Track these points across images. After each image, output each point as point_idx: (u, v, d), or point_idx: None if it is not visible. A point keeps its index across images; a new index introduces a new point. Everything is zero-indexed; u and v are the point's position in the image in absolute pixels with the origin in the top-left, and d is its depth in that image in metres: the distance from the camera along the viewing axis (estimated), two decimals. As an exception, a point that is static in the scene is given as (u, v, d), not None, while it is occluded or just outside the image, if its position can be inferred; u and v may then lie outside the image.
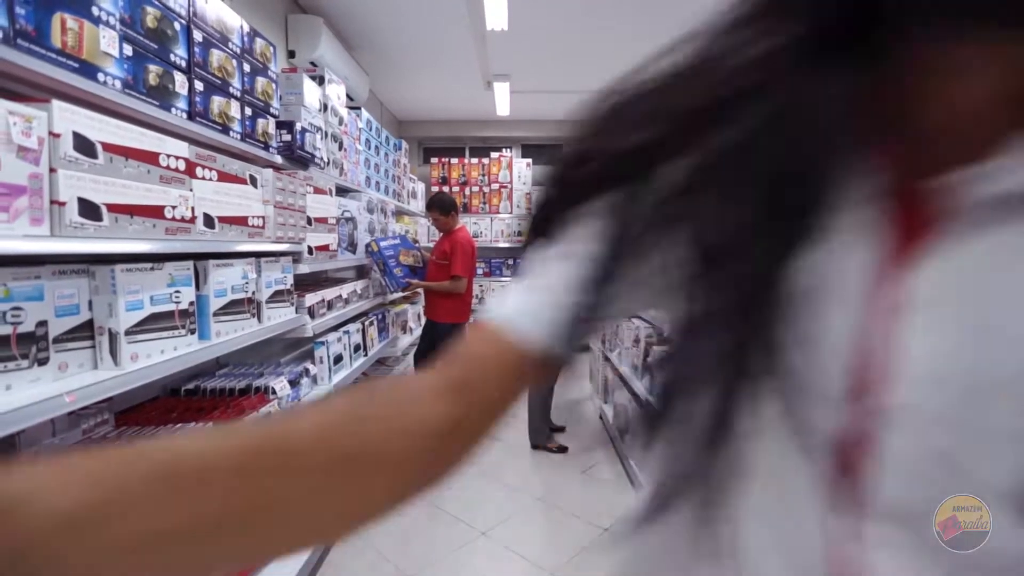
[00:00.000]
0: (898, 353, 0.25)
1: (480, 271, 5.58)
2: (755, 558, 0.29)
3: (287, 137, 2.04)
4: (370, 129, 3.35)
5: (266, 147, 1.91)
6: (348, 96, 3.53)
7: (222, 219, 1.47)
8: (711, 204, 0.28)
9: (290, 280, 1.93)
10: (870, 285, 0.27)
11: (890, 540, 0.26)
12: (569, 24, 3.65)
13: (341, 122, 2.74)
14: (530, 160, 5.86)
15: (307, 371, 1.99)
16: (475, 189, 5.93)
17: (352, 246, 2.71)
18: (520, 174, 5.80)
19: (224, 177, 1.49)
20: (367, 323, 2.72)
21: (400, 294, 3.43)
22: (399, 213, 4.40)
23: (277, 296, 1.82)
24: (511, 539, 2.16)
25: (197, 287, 1.39)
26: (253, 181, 1.66)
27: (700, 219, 0.29)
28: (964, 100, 0.25)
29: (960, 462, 0.24)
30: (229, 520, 0.23)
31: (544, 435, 3.09)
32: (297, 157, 2.10)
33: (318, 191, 2.20)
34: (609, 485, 2.64)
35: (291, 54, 3.03)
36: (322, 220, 2.24)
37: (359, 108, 3.15)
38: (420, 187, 5.18)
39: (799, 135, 0.26)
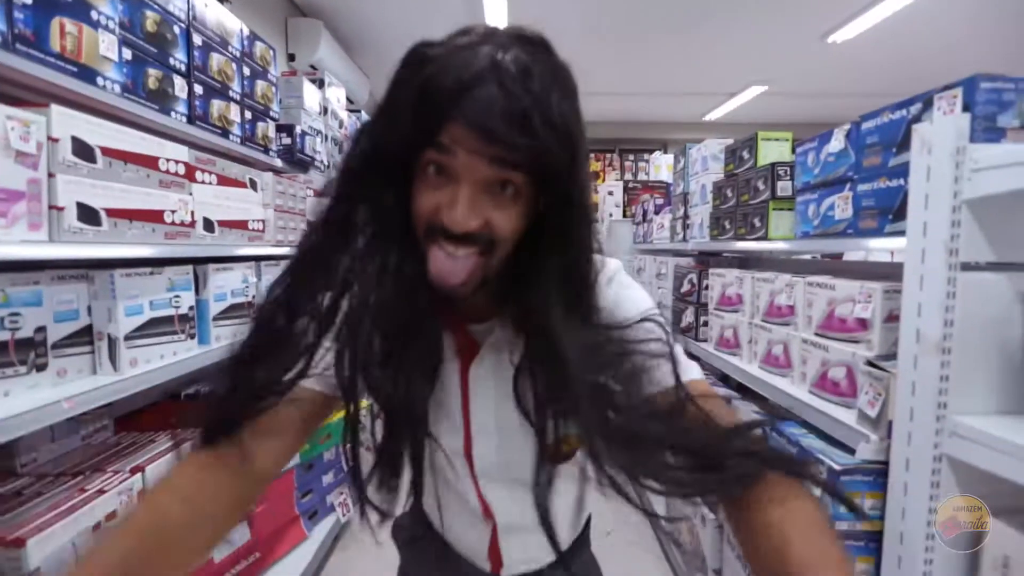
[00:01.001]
0: (470, 414, 0.60)
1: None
2: (447, 504, 0.67)
3: (287, 140, 2.04)
4: (370, 132, 3.35)
5: (266, 151, 1.91)
6: (348, 99, 3.53)
7: (222, 223, 1.47)
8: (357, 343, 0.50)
9: (290, 284, 1.92)
10: (457, 382, 0.59)
11: (491, 483, 0.63)
12: (569, 28, 3.66)
13: (341, 125, 2.74)
14: (530, 162, 5.86)
15: (307, 375, 1.98)
16: (475, 191, 5.92)
17: (352, 249, 2.71)
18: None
19: (224, 181, 1.49)
20: (368, 326, 2.72)
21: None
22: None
23: (277, 300, 1.82)
24: None
25: (197, 292, 1.39)
26: (253, 185, 1.66)
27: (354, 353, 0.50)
28: (473, 305, 0.56)
29: (504, 450, 0.60)
30: None
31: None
32: (297, 160, 2.10)
33: (316, 193, 2.20)
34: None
35: (291, 57, 3.04)
36: (322, 223, 2.24)
37: (359, 111, 3.15)
38: (420, 190, 5.18)
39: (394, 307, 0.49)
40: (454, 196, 0.43)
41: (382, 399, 0.52)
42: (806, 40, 3.72)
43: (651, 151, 6.18)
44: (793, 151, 1.59)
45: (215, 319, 1.43)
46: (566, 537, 0.68)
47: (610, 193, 3.55)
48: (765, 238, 1.53)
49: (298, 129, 2.06)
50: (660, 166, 5.34)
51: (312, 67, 3.01)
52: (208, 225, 1.41)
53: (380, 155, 0.46)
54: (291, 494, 1.86)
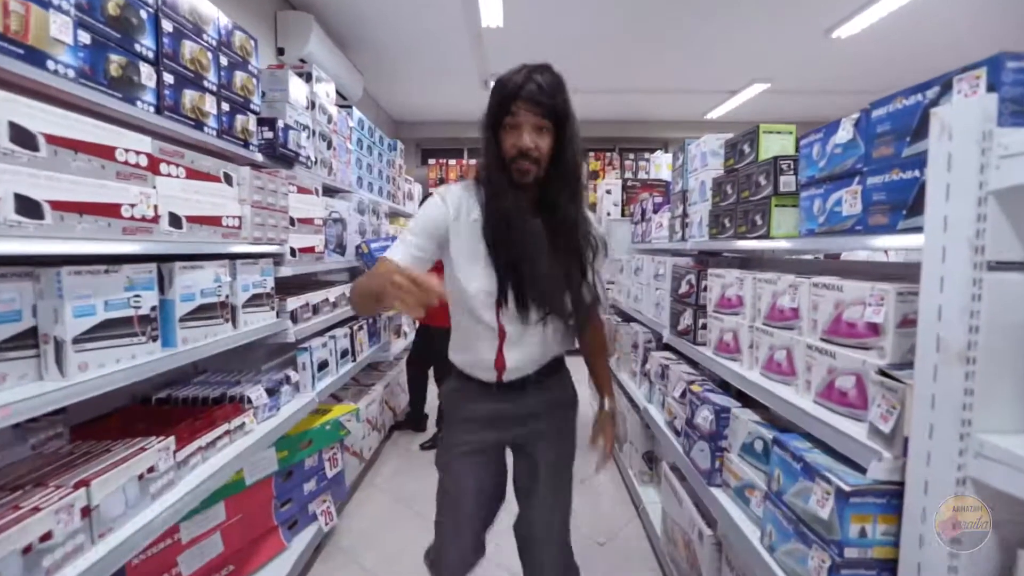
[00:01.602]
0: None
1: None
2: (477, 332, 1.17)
3: (269, 134, 1.95)
4: (362, 128, 3.27)
5: (246, 144, 1.82)
6: (341, 95, 3.45)
7: (191, 219, 1.39)
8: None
9: (270, 283, 1.84)
10: None
11: (509, 320, 1.13)
12: (564, 20, 3.58)
13: (330, 120, 2.66)
14: (529, 161, 5.78)
15: (288, 378, 1.90)
16: (473, 191, 5.85)
17: (341, 248, 2.63)
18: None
19: (194, 174, 1.41)
20: (356, 328, 2.63)
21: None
22: (394, 215, 4.32)
23: (255, 300, 1.74)
24: (502, 555, 2.06)
25: (161, 291, 1.31)
26: (228, 179, 1.58)
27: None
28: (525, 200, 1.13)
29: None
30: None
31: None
32: (280, 155, 2.02)
33: (303, 191, 2.12)
34: (606, 497, 2.54)
35: (280, 51, 2.96)
36: (307, 221, 2.16)
37: (350, 107, 3.07)
38: (417, 188, 5.10)
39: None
40: (521, 134, 1.04)
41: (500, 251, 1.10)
42: (809, 36, 3.63)
43: (652, 150, 6.10)
44: (796, 146, 1.51)
45: (182, 320, 1.35)
46: (547, 355, 1.22)
47: (608, 192, 3.47)
48: (767, 236, 1.44)
49: (281, 123, 1.98)
50: (660, 165, 5.25)
51: (302, 61, 2.92)
52: (175, 220, 1.33)
53: (488, 123, 1.08)
54: (269, 504, 1.77)
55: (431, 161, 5.97)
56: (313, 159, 2.41)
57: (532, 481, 1.26)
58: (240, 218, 1.64)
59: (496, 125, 1.06)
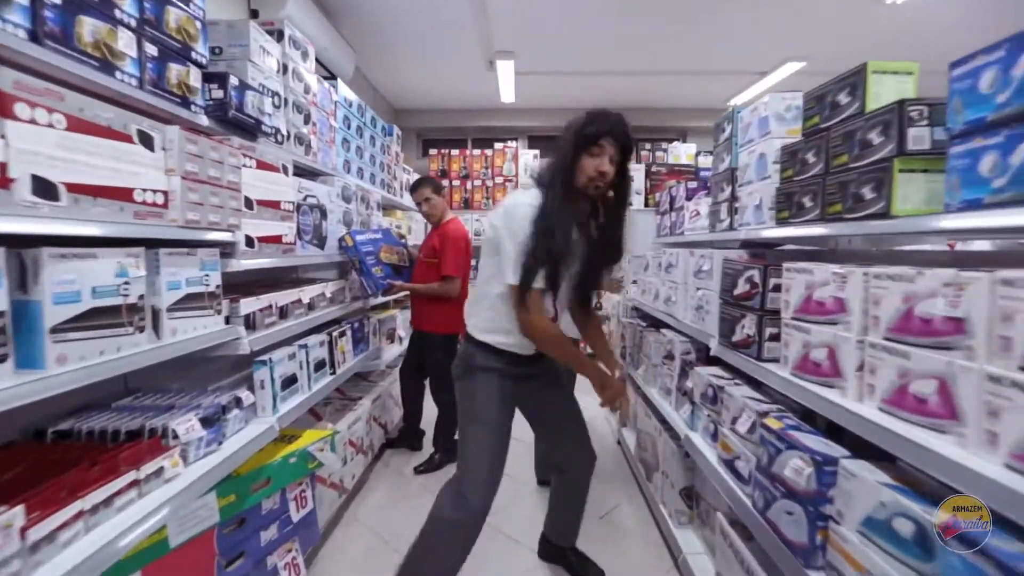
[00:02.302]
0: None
1: (482, 272, 5.09)
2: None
3: (218, 93, 1.56)
4: (350, 106, 2.87)
5: (184, 102, 1.43)
6: (325, 68, 3.06)
7: (77, 188, 0.99)
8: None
9: (215, 280, 1.44)
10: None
11: (561, 306, 1.60)
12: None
13: (308, 91, 2.26)
14: (537, 152, 5.36)
15: (238, 401, 1.50)
16: (477, 183, 5.45)
17: (320, 239, 2.23)
18: (527, 167, 5.30)
19: (82, 127, 1.01)
20: (337, 333, 2.23)
21: (385, 298, 2.94)
22: (390, 208, 3.92)
23: (192, 302, 1.34)
24: (510, 525, 1.66)
25: (22, 289, 0.91)
26: (146, 140, 1.18)
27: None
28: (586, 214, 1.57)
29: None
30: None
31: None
32: (234, 121, 1.62)
33: (265, 167, 1.72)
34: (633, 536, 2.12)
35: (254, 14, 2.57)
36: (271, 204, 1.76)
37: (334, 78, 2.67)
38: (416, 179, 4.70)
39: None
40: (603, 160, 1.41)
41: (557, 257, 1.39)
42: (857, 2, 3.20)
43: (668, 140, 5.68)
44: (916, 91, 1.10)
45: (58, 330, 0.95)
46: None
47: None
48: (885, 214, 1.03)
49: (234, 80, 1.58)
50: (680, 156, 4.83)
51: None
52: (44, 188, 0.93)
53: (577, 143, 1.42)
54: (210, 564, 1.37)
55: (432, 151, 5.57)
56: (284, 133, 2.01)
57: (556, 409, 1.70)
58: (165, 193, 1.24)
59: (581, 148, 1.41)
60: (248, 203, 1.62)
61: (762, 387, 1.53)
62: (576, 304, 1.69)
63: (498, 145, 5.38)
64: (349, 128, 2.86)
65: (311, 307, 2.10)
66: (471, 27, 3.64)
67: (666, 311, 2.26)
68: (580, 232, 1.48)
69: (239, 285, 1.95)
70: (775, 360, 1.42)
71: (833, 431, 1.19)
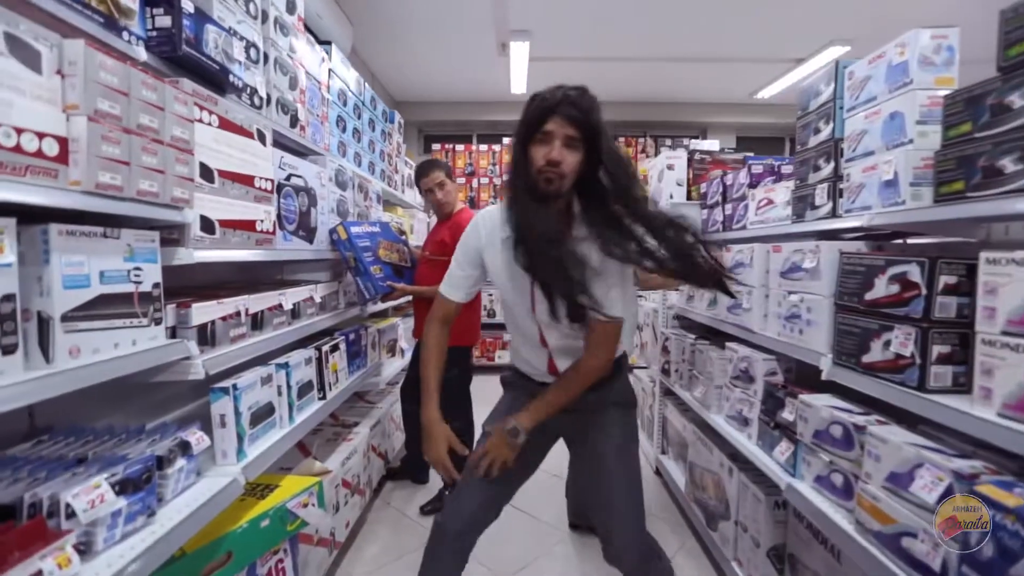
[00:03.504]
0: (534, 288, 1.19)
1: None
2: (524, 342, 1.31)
3: (164, 20, 1.13)
4: (346, 82, 2.46)
5: (110, 24, 1.01)
6: (315, 35, 2.65)
7: None
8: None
9: (152, 276, 1.02)
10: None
11: (547, 328, 1.22)
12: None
13: (294, 51, 1.84)
14: (549, 147, 4.97)
15: (184, 447, 1.06)
16: (484, 180, 5.04)
17: (307, 231, 1.80)
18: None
19: None
20: (328, 348, 1.80)
21: (384, 304, 2.51)
22: (389, 204, 3.50)
23: (108, 306, 0.91)
24: (482, 553, 1.24)
25: None
26: (22, 52, 0.76)
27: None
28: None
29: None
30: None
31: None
32: (188, 62, 1.20)
33: (232, 128, 1.30)
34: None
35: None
36: (241, 179, 1.34)
37: (329, 43, 2.26)
38: (423, 161, 4.27)
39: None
40: (551, 148, 1.08)
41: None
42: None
43: (689, 136, 5.31)
44: None
45: None
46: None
47: (670, 167, 2.65)
48: None
49: (187, 5, 1.16)
50: (704, 151, 4.44)
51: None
52: None
53: (520, 137, 1.13)
54: None
55: (435, 147, 5.17)
56: (264, 96, 1.59)
57: (599, 465, 1.28)
58: (62, 141, 0.81)
59: (527, 140, 1.12)
60: (206, 172, 1.20)
61: (916, 426, 1.11)
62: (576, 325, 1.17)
63: (507, 140, 4.97)
64: (345, 105, 2.44)
65: (295, 314, 1.67)
66: (486, 1, 3.25)
67: (733, 321, 1.84)
68: (546, 243, 1.08)
69: (197, 287, 1.52)
70: (952, 391, 1.00)
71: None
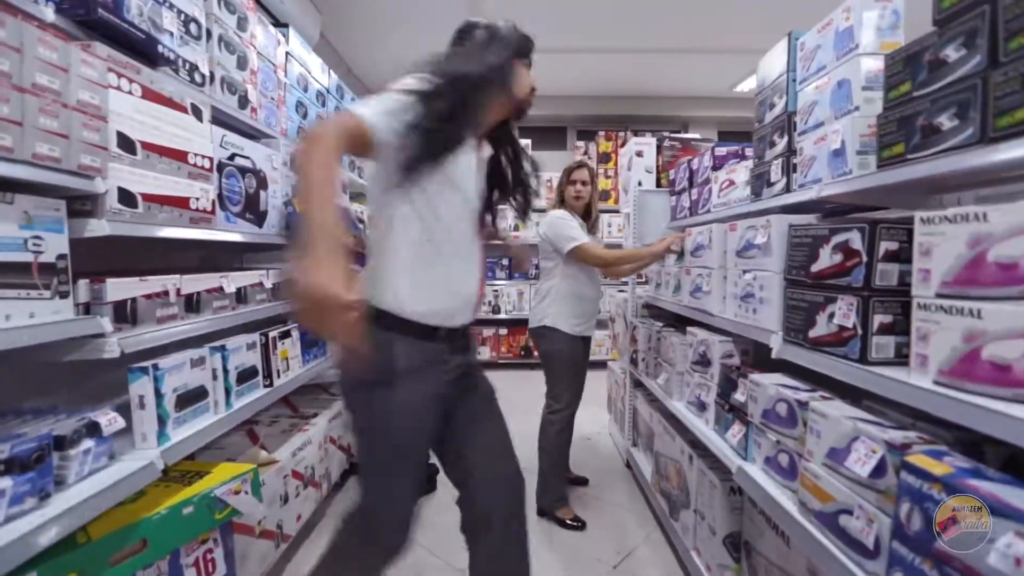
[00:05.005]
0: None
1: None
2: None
3: (76, -18, 1.08)
4: (307, 67, 2.40)
5: (10, -19, 0.95)
6: (278, 22, 2.60)
7: None
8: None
9: (55, 247, 0.96)
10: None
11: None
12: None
13: (243, 27, 1.79)
14: (529, 141, 4.92)
15: (92, 428, 1.01)
16: (464, 175, 4.97)
17: (256, 214, 1.74)
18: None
19: None
20: (277, 334, 1.74)
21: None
22: (357, 196, 3.44)
23: (4, 276, 0.86)
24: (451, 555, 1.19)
25: None
26: None
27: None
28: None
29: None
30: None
31: (556, 497, 2.10)
32: (105, 28, 1.14)
33: (158, 99, 1.24)
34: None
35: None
36: (171, 153, 1.28)
37: (286, 26, 2.21)
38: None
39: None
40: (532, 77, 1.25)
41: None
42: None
43: (671, 130, 5.28)
44: None
45: None
46: None
47: (639, 154, 2.61)
48: None
49: (104, -34, 1.11)
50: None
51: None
52: None
53: (512, 56, 1.17)
54: None
55: (415, 142, 5.12)
56: (205, 73, 1.54)
57: (482, 412, 1.19)
58: (-67, 93, 0.76)
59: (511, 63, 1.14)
60: (126, 143, 1.14)
61: (860, 400, 1.07)
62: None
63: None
64: (306, 91, 2.39)
65: (241, 299, 1.61)
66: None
67: (694, 305, 1.80)
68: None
69: (148, 271, 1.47)
70: (896, 362, 0.96)
71: (1015, 466, 0.74)
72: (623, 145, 5.30)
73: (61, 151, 0.95)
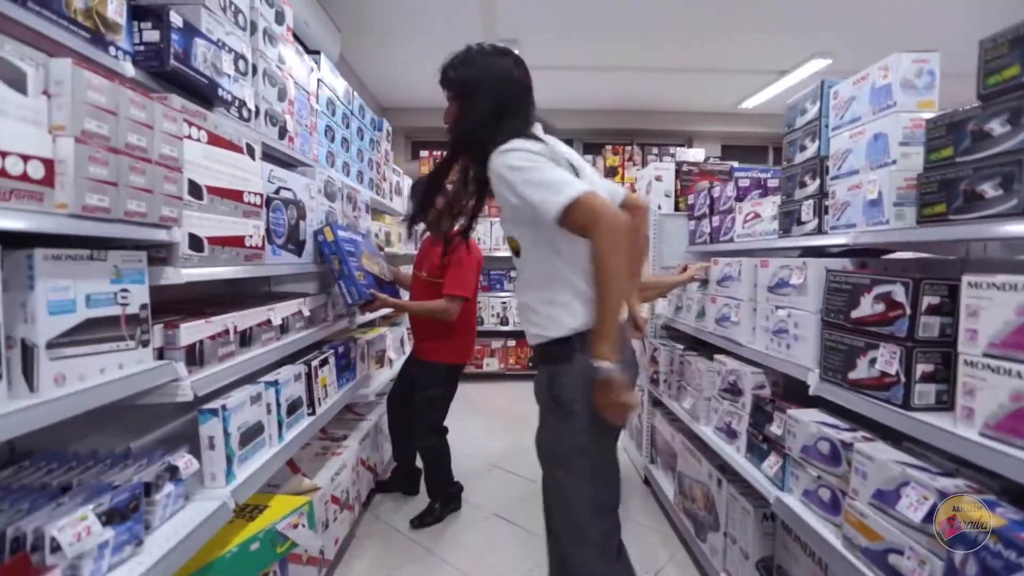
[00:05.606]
0: None
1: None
2: None
3: (152, 36, 1.12)
4: (335, 91, 2.44)
5: (97, 40, 0.99)
6: (304, 46, 2.63)
7: None
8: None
9: (139, 298, 1.00)
10: None
11: None
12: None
13: (284, 61, 1.83)
14: (537, 154, 4.98)
15: (172, 472, 1.04)
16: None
17: (296, 244, 1.78)
18: (525, 170, 4.91)
19: None
20: (318, 363, 1.78)
21: (372, 314, 2.48)
22: (378, 212, 3.48)
23: (94, 330, 0.89)
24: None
25: None
26: (5, 73, 0.74)
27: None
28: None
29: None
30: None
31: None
32: (176, 77, 1.18)
33: (220, 143, 1.28)
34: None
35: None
36: (229, 194, 1.32)
37: (318, 53, 2.25)
38: (407, 182, 4.26)
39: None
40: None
41: None
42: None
43: (676, 145, 5.37)
44: None
45: None
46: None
47: (658, 178, 2.68)
48: None
49: (176, 19, 1.15)
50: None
51: None
52: None
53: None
54: None
55: (423, 153, 5.15)
56: (252, 108, 1.57)
57: None
58: (48, 163, 0.79)
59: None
60: (195, 190, 1.18)
61: (901, 442, 1.14)
62: None
63: (495, 147, 4.98)
64: (334, 115, 2.42)
65: (284, 329, 1.65)
66: (474, 8, 3.26)
67: (721, 333, 1.86)
68: None
69: (182, 303, 1.49)
70: (936, 408, 1.03)
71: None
72: (630, 159, 5.38)
73: (147, 206, 0.99)
